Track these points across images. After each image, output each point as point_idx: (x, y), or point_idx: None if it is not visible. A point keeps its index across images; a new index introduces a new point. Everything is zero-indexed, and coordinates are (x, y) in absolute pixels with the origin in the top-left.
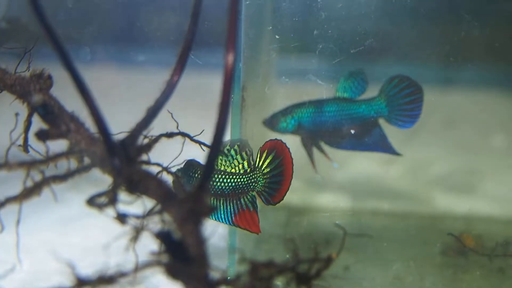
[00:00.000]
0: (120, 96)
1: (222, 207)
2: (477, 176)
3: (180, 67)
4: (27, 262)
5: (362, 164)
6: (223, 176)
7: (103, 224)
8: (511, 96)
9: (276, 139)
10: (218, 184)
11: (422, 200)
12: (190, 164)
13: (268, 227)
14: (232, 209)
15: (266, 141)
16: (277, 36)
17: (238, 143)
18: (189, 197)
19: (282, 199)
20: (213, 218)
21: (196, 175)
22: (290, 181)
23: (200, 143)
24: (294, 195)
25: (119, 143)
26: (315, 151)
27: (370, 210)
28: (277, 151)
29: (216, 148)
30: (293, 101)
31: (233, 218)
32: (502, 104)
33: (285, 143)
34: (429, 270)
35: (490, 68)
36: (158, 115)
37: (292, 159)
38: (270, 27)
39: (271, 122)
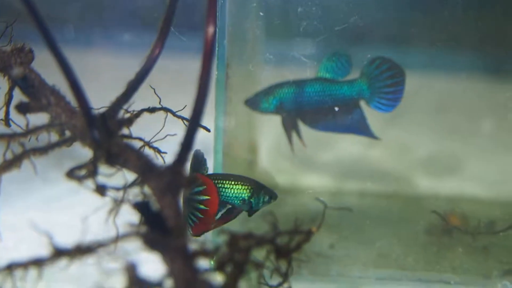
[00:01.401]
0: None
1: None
2: (464, 158)
3: (161, 41)
4: (12, 241)
5: (348, 146)
6: None
7: (89, 202)
8: (498, 81)
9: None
10: None
11: (408, 181)
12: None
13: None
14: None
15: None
16: (261, 13)
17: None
18: (168, 170)
19: (199, 235)
20: None
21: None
22: (210, 223)
23: (183, 118)
24: (281, 176)
25: (98, 116)
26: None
27: (355, 191)
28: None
29: (195, 122)
30: (278, 79)
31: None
32: (489, 89)
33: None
34: (412, 248)
35: (476, 53)
36: (138, 88)
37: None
38: (255, 4)
39: (253, 102)
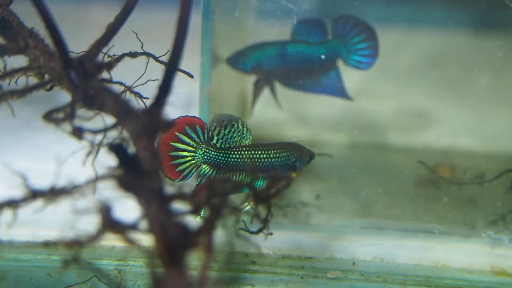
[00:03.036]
0: None
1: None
2: (454, 111)
3: None
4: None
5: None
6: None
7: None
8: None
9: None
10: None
11: (397, 133)
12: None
13: None
14: None
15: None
16: None
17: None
18: (144, 113)
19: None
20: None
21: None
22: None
23: (165, 63)
24: (269, 128)
25: (76, 59)
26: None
27: (344, 142)
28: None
29: (173, 65)
30: (264, 26)
31: None
32: (475, 40)
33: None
34: (399, 199)
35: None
36: (117, 32)
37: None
38: None
39: (233, 62)
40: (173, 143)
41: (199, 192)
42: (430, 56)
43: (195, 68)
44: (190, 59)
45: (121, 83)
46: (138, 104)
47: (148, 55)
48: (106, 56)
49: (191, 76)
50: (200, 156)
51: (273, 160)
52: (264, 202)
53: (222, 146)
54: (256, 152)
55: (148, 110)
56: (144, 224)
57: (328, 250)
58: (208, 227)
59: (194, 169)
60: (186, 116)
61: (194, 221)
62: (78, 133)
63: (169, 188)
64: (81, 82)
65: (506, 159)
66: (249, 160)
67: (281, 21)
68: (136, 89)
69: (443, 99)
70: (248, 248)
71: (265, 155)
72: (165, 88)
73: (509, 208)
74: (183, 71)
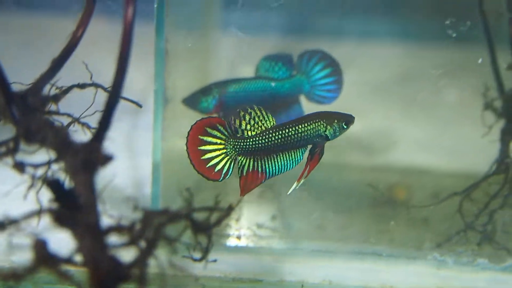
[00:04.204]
0: None
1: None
2: (414, 129)
3: (86, 17)
4: None
5: None
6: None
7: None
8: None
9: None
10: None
11: (354, 153)
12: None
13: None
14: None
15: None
16: None
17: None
18: (83, 148)
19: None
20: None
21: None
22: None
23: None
24: None
25: (19, 93)
26: None
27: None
28: None
29: (115, 99)
30: (217, 54)
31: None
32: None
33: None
34: (353, 220)
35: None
36: (63, 65)
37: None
38: None
39: (191, 102)
40: (202, 148)
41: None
42: (384, 72)
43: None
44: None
45: (68, 115)
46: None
47: (97, 86)
48: (54, 88)
49: (140, 106)
50: (232, 150)
51: (302, 134)
52: (204, 232)
53: (249, 134)
54: (284, 131)
55: (87, 145)
56: (78, 258)
57: (278, 273)
58: (141, 259)
59: (232, 164)
60: (202, 119)
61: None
62: (19, 167)
63: (107, 221)
64: (23, 116)
65: (467, 177)
66: (279, 141)
67: (233, 49)
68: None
69: (401, 117)
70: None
71: (293, 131)
72: (104, 122)
73: (456, 229)
74: (131, 101)
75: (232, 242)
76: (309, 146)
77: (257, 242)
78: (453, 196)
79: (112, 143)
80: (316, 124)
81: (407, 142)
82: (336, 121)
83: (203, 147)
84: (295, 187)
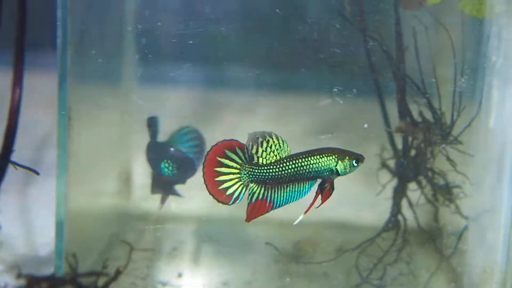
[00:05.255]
0: None
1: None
2: None
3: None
4: None
5: None
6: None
7: None
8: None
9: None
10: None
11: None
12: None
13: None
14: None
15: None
16: (100, 60)
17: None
18: None
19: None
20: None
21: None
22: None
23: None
24: (149, 204)
25: None
26: None
27: (222, 217)
28: None
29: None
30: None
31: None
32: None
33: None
34: (257, 276)
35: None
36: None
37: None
38: (93, 51)
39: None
40: (217, 169)
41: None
42: None
43: None
44: None
45: None
46: None
47: None
48: None
49: (37, 173)
50: (245, 176)
51: (314, 166)
52: None
53: (264, 162)
54: (297, 162)
55: None
56: None
57: None
58: None
59: (244, 190)
60: (224, 140)
61: None
62: None
63: None
64: None
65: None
66: (291, 171)
67: (135, 117)
68: None
69: None
70: None
71: (305, 163)
72: None
73: (352, 283)
74: (27, 168)
75: None
76: (319, 180)
77: None
78: (349, 252)
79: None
80: (328, 158)
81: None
82: (347, 157)
83: (218, 169)
84: (301, 219)
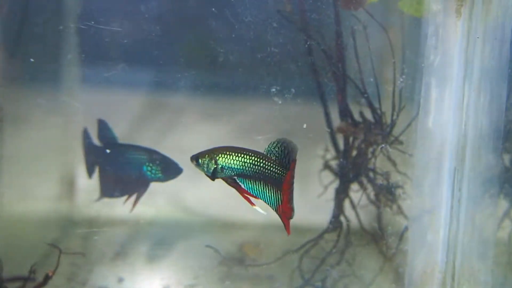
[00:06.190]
0: None
1: (270, 193)
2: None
3: None
4: None
5: None
6: (275, 166)
7: None
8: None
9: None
10: (269, 172)
11: (217, 210)
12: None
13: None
14: (279, 198)
15: None
16: (32, 60)
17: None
18: None
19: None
20: (262, 199)
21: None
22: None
23: None
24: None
25: None
26: None
27: (171, 220)
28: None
29: None
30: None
31: (278, 206)
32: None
33: None
34: (200, 280)
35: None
36: None
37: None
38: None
39: None
40: None
41: None
42: None
43: None
44: None
45: None
46: None
47: None
48: None
49: None
50: None
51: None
52: None
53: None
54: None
55: None
56: None
57: None
58: None
59: None
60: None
61: None
62: None
63: None
64: None
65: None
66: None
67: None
68: None
69: None
70: None
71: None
72: None
73: (296, 285)
74: None
75: None
76: None
77: None
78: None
79: None
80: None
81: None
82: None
83: None
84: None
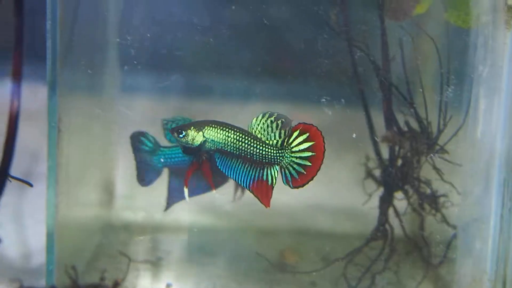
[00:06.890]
0: None
1: (245, 171)
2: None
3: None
4: None
5: None
6: (257, 143)
7: None
8: None
9: (311, 124)
10: (250, 148)
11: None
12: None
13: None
14: (253, 175)
15: (300, 123)
16: (89, 71)
17: (283, 120)
18: None
19: (303, 186)
20: (233, 177)
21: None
22: (317, 170)
23: None
24: (137, 215)
25: None
26: None
27: (212, 227)
28: (310, 136)
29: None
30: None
31: (251, 184)
32: None
33: (320, 131)
34: (246, 285)
35: None
36: None
37: (324, 149)
38: (83, 62)
39: None
40: None
41: None
42: None
43: None
44: None
45: None
46: None
47: None
48: None
49: (31, 185)
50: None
51: None
52: None
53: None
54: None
55: None
56: None
57: None
58: None
59: None
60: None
61: None
62: None
63: None
64: None
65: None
66: None
67: (124, 126)
68: None
69: None
70: None
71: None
72: None
73: None
74: (22, 180)
75: None
76: None
77: None
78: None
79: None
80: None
81: (303, 206)
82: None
83: None
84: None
